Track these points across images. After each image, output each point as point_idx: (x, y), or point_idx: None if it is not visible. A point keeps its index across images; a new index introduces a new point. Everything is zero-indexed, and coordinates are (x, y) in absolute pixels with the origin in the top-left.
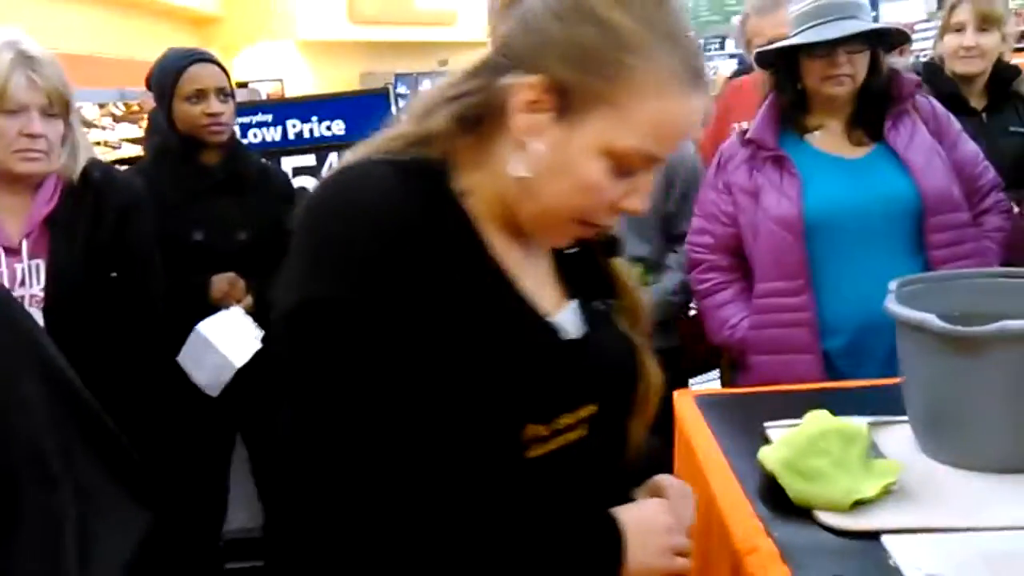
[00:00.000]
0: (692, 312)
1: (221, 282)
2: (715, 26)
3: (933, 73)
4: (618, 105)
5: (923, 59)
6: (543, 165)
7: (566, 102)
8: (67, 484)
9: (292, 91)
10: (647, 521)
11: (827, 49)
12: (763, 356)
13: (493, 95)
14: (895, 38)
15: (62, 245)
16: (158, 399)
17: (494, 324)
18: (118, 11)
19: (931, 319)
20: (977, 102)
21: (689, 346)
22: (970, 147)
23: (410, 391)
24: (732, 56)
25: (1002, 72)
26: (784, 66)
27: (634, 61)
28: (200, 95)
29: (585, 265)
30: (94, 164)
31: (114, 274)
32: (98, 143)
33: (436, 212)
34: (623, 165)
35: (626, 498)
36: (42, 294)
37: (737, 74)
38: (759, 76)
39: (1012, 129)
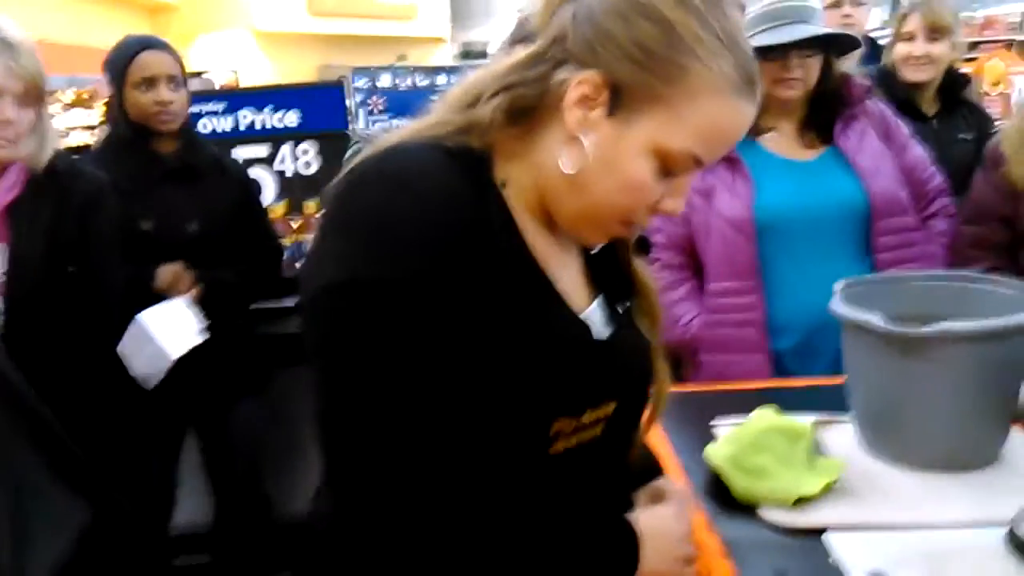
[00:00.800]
0: None
1: (166, 273)
2: None
3: (886, 79)
4: (672, 106)
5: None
6: (592, 161)
7: (620, 100)
8: (3, 479)
9: (248, 82)
10: (662, 528)
11: (779, 53)
12: (713, 355)
13: (546, 88)
14: (847, 43)
15: (23, 233)
16: (109, 392)
17: (532, 317)
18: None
19: (875, 319)
20: (928, 108)
21: None
22: (918, 152)
23: (449, 378)
24: None
25: (953, 80)
26: None
27: (692, 63)
28: (150, 83)
29: (607, 264)
30: (60, 156)
31: (72, 268)
32: None
33: (483, 202)
34: (669, 166)
35: (628, 500)
36: (4, 279)
37: None
38: None
39: (960, 136)
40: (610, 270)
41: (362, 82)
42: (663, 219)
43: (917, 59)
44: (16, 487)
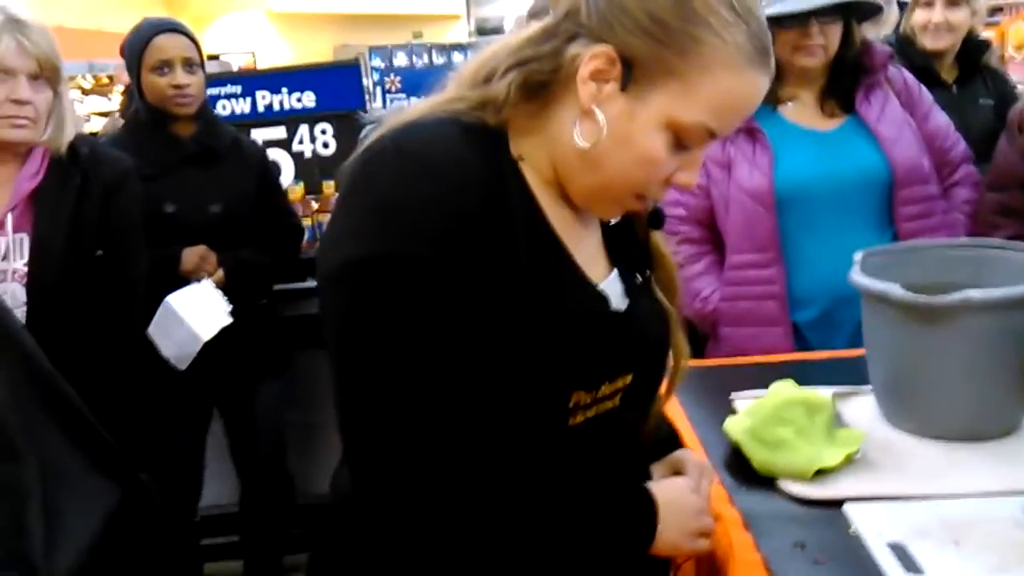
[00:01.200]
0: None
1: (192, 255)
2: None
3: (905, 46)
4: (686, 79)
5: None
6: (605, 136)
7: (633, 73)
8: (32, 459)
9: (264, 63)
10: (679, 502)
11: (799, 20)
12: (733, 328)
13: (559, 63)
14: (868, 9)
15: (47, 220)
16: (135, 377)
17: (551, 289)
18: None
19: (894, 289)
20: (947, 75)
21: None
22: (942, 119)
23: (468, 352)
24: None
25: (972, 45)
26: None
27: (706, 35)
28: (166, 66)
29: (624, 236)
30: (83, 140)
31: (100, 252)
32: None
33: (502, 177)
34: (683, 139)
35: (646, 472)
36: (25, 269)
37: None
38: None
39: (981, 101)
40: (627, 242)
41: (378, 61)
42: (682, 192)
43: (936, 26)
44: (46, 469)
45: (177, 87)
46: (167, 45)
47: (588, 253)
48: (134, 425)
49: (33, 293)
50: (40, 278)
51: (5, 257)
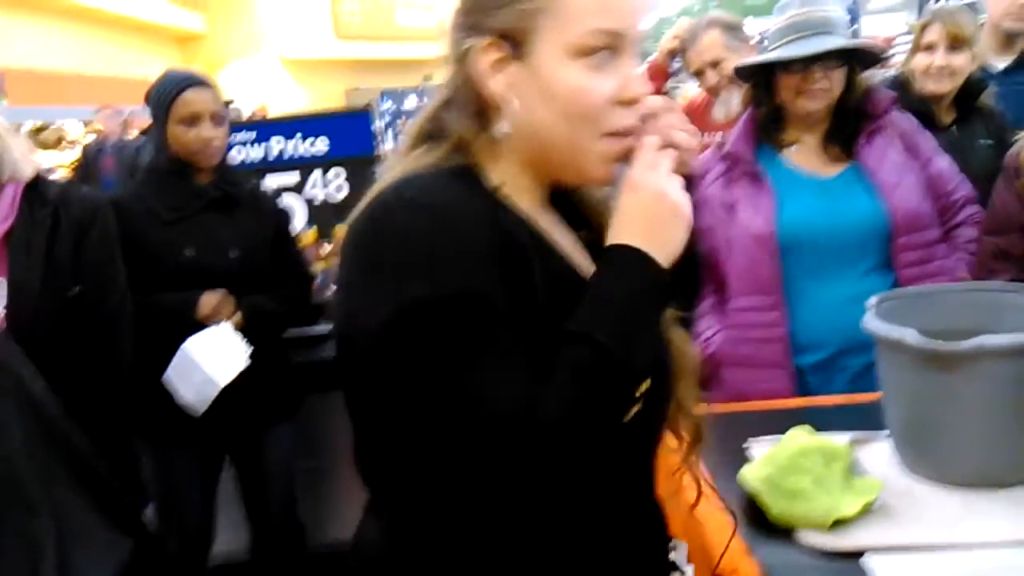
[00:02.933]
0: None
1: (210, 299)
2: None
3: (902, 89)
4: (553, 9)
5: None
6: (533, 108)
7: (517, 41)
8: (46, 511)
9: (277, 107)
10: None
11: (802, 65)
12: (735, 371)
13: (470, 78)
14: (871, 56)
15: (22, 263)
16: (124, 413)
17: (572, 301)
18: (102, 28)
19: (910, 335)
20: (946, 117)
21: None
22: (944, 163)
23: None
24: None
25: (970, 86)
26: (761, 81)
27: None
28: (195, 119)
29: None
30: (50, 183)
31: (76, 289)
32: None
33: (491, 208)
34: (594, 55)
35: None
36: (3, 312)
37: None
38: (708, 96)
39: (981, 142)
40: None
41: (389, 103)
42: None
43: (938, 70)
44: (60, 522)
45: (204, 141)
46: (196, 99)
47: (583, 262)
48: (130, 463)
49: (13, 336)
50: (20, 321)
51: None
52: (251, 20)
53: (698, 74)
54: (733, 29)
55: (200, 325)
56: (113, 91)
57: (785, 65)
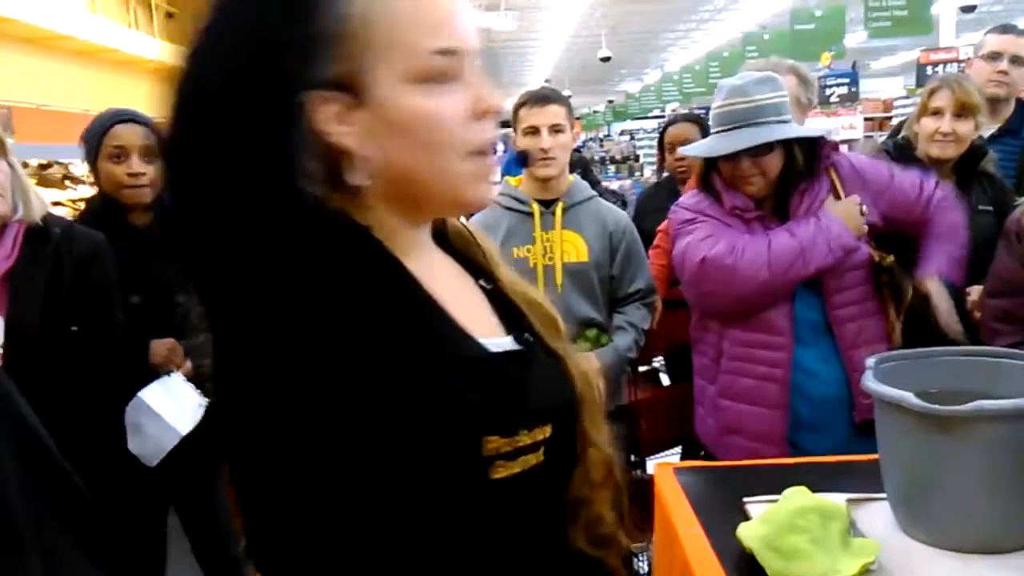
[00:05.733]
0: (643, 368)
1: (160, 347)
2: (699, 97)
3: (903, 150)
4: (380, 43)
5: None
6: (389, 149)
7: (353, 88)
8: (36, 552)
9: None
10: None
11: (729, 158)
12: (731, 402)
13: (319, 141)
14: (810, 140)
15: (21, 302)
16: (117, 449)
17: (435, 346)
18: (112, 69)
19: (909, 397)
20: (946, 181)
21: (648, 423)
22: (907, 177)
23: (369, 431)
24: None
25: (970, 152)
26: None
27: (350, 8)
28: (123, 154)
29: (505, 301)
30: (54, 220)
31: (75, 328)
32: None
33: (360, 254)
34: (431, 77)
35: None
36: (1, 351)
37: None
38: None
39: (981, 208)
40: (510, 306)
41: None
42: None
43: (944, 136)
44: (48, 561)
45: (133, 175)
46: (124, 133)
47: (471, 313)
48: (113, 504)
49: (11, 373)
50: (18, 359)
51: None
52: None
53: None
54: (806, 84)
55: (152, 372)
56: None
57: (717, 156)
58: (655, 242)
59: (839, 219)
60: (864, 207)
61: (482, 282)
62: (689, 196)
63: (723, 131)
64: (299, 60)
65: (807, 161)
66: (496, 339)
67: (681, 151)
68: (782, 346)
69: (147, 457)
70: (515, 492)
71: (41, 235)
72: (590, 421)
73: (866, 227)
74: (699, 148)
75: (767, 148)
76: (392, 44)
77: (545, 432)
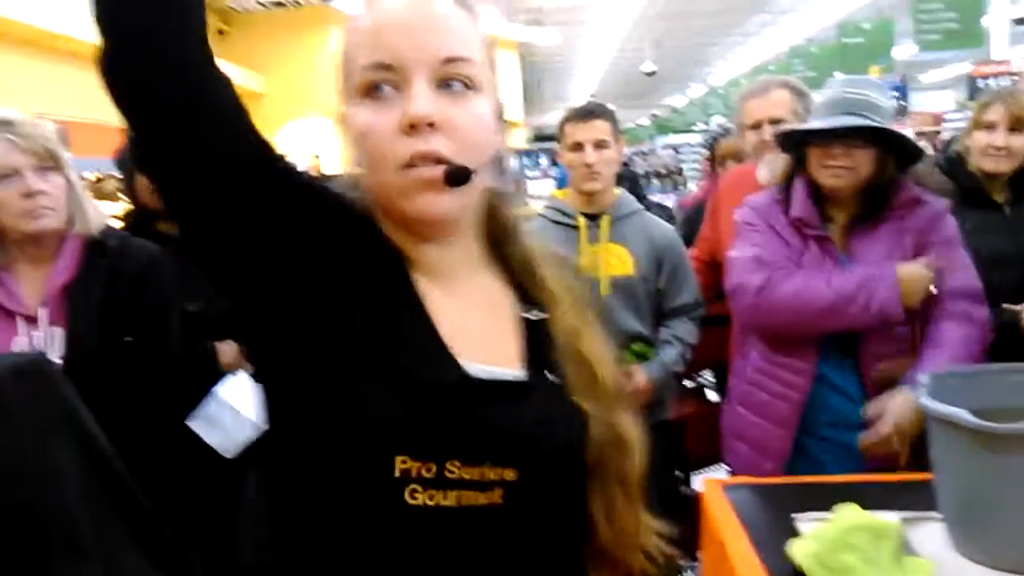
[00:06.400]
0: (690, 384)
1: (230, 348)
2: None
3: (955, 165)
4: (342, 62)
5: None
6: (355, 160)
7: (340, 102)
8: (97, 557)
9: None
10: None
11: (824, 139)
12: (746, 412)
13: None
14: (907, 147)
15: (80, 314)
16: (178, 461)
17: (390, 338)
18: None
19: (963, 415)
20: (999, 196)
21: (694, 438)
22: (946, 252)
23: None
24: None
25: None
26: (795, 153)
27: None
28: None
29: (544, 335)
30: (111, 233)
31: (128, 338)
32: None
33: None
34: (375, 93)
35: None
36: (60, 362)
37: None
38: (752, 165)
39: None
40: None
41: None
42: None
43: (997, 150)
44: (110, 566)
45: None
46: None
47: (484, 338)
48: (178, 513)
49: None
50: (75, 370)
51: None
52: (308, 81)
53: (754, 127)
54: (802, 96)
55: (219, 375)
56: None
57: (812, 137)
58: (693, 254)
59: (893, 282)
60: (933, 277)
61: (528, 313)
62: (761, 196)
63: (826, 116)
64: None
65: (890, 190)
66: (500, 368)
67: (780, 129)
68: (804, 371)
69: (225, 449)
70: (446, 525)
71: (98, 248)
72: (603, 489)
73: (922, 297)
74: (797, 126)
75: (863, 142)
76: (347, 61)
77: (503, 474)
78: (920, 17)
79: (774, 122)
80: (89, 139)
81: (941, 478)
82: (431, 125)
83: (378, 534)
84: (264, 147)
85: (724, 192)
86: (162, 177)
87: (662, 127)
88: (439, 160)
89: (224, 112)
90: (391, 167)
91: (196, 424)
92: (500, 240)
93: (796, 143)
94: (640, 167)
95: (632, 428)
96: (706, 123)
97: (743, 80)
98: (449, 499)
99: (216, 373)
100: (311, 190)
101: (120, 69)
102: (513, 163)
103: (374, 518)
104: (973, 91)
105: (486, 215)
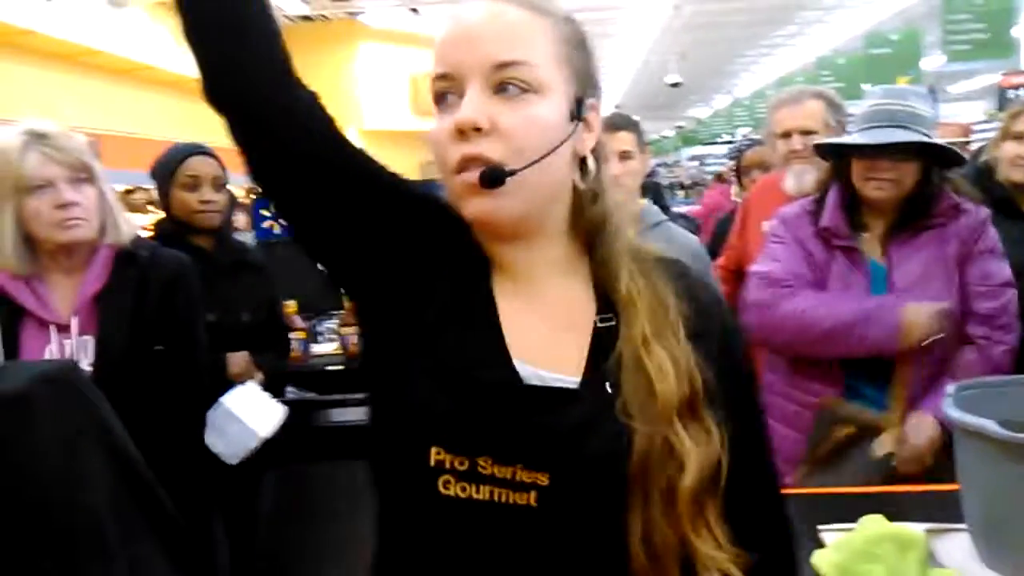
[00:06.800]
0: None
1: (239, 359)
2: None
3: (984, 176)
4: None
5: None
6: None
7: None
8: (123, 560)
9: None
10: None
11: (871, 152)
12: (774, 422)
13: None
14: (948, 156)
15: (110, 323)
16: (200, 466)
17: (446, 332)
18: (194, 99)
19: (990, 425)
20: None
21: None
22: (986, 266)
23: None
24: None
25: None
26: (837, 163)
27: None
28: (197, 184)
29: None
30: (141, 243)
31: (159, 347)
32: None
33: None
34: (442, 101)
35: None
36: (91, 370)
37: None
38: (780, 174)
39: None
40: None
41: None
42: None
43: None
44: (134, 568)
45: (205, 202)
46: (199, 165)
47: (549, 344)
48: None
49: (100, 390)
50: (105, 380)
51: (72, 359)
52: (337, 94)
53: (784, 136)
54: (836, 107)
55: (228, 384)
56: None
57: (856, 149)
58: (720, 263)
59: (894, 322)
60: (943, 320)
61: (601, 319)
62: (794, 207)
63: (869, 128)
64: None
65: (932, 198)
66: (556, 374)
67: (823, 141)
68: (832, 383)
69: (228, 456)
70: (478, 518)
71: (129, 258)
72: (643, 504)
73: (925, 336)
74: (848, 139)
75: (908, 155)
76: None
77: (537, 477)
78: (949, 27)
79: (805, 133)
80: (120, 151)
81: (967, 489)
82: (478, 129)
83: (414, 520)
84: (357, 155)
85: (752, 202)
86: (268, 181)
87: (687, 139)
88: (484, 162)
89: (313, 124)
90: (447, 171)
91: (204, 433)
92: (591, 241)
93: (838, 153)
94: (665, 178)
95: (689, 444)
96: (731, 135)
97: (769, 91)
98: (482, 493)
99: (223, 382)
100: (399, 189)
101: (216, 95)
102: None
103: (410, 503)
104: (1003, 102)
105: (573, 215)
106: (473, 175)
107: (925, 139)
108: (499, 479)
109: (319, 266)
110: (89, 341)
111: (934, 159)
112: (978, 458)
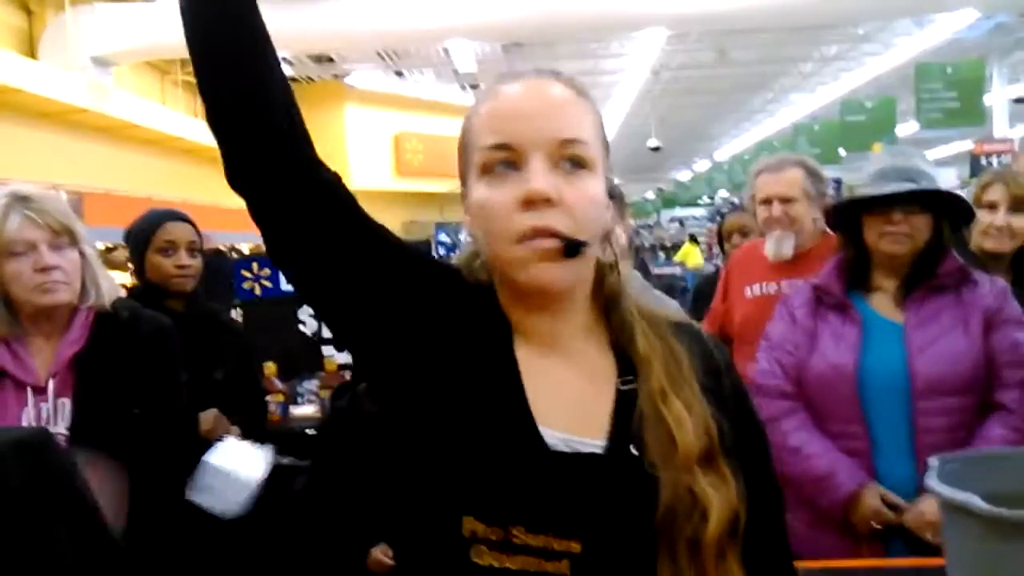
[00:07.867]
0: None
1: (208, 416)
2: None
3: (957, 245)
4: (469, 143)
5: None
6: (477, 238)
7: (464, 180)
8: None
9: None
10: None
11: (884, 207)
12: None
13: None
14: (961, 213)
15: (87, 386)
16: (183, 530)
17: (471, 400)
18: (176, 157)
19: (974, 500)
20: (1001, 276)
21: None
22: (1015, 335)
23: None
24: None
25: None
26: (849, 224)
27: (468, 124)
28: (172, 248)
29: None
30: (122, 304)
31: (136, 411)
32: None
33: (481, 297)
34: (494, 171)
35: None
36: (67, 433)
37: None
38: (762, 240)
39: None
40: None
41: (444, 236)
42: (776, 349)
43: (999, 230)
44: None
45: (180, 267)
46: (174, 230)
47: (575, 408)
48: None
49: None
50: (82, 441)
51: (47, 422)
52: (324, 155)
53: (764, 202)
54: (816, 177)
55: (203, 443)
56: (205, 218)
57: (868, 207)
58: (704, 327)
59: (842, 498)
60: (897, 514)
61: (622, 382)
62: (807, 285)
63: (883, 183)
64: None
65: (942, 257)
66: (582, 438)
67: (831, 205)
68: (857, 437)
69: (224, 513)
70: None
71: (109, 320)
72: (670, 555)
73: (877, 525)
74: (860, 194)
75: (920, 208)
76: (473, 142)
77: (569, 545)
78: (923, 96)
79: (784, 200)
80: (101, 208)
81: (953, 565)
82: (547, 201)
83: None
84: (378, 230)
85: (734, 266)
86: (290, 259)
87: (668, 201)
88: (554, 235)
89: (338, 205)
90: (509, 240)
91: (194, 495)
92: (608, 308)
93: (848, 215)
94: (646, 239)
95: (711, 492)
96: (711, 197)
97: (747, 156)
98: (515, 563)
99: (198, 442)
100: (417, 260)
101: (241, 180)
102: None
103: (441, 574)
104: (975, 168)
105: (594, 285)
106: (550, 243)
107: (931, 187)
108: (532, 548)
109: (301, 328)
110: (66, 404)
111: (945, 213)
112: (963, 535)
